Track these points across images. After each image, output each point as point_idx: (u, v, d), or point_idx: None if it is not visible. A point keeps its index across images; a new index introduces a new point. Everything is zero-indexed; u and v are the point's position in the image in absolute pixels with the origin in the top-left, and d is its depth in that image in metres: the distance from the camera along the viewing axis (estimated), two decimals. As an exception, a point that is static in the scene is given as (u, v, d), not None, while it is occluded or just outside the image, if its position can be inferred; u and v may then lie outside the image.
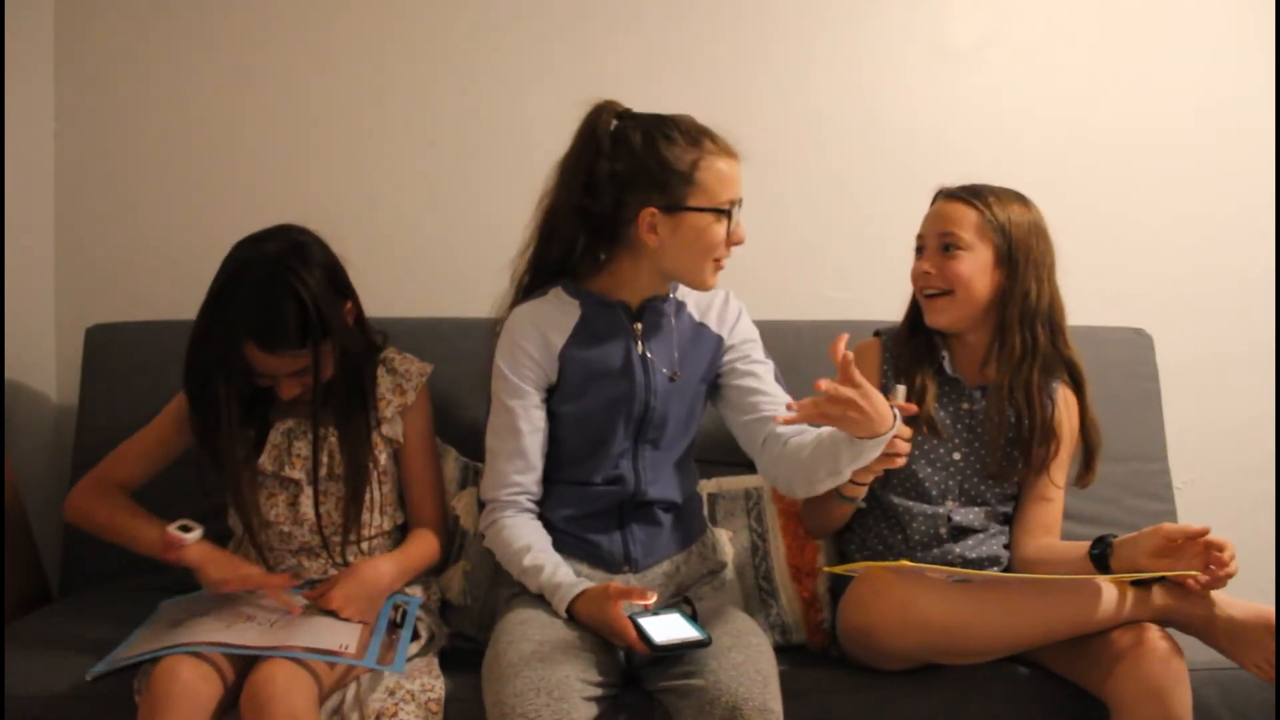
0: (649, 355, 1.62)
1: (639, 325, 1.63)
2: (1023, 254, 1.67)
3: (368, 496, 1.66)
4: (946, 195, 1.73)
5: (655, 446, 1.64)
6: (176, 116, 2.18)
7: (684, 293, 1.69)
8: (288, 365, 1.56)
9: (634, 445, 1.62)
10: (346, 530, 1.63)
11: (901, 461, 1.47)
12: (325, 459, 1.63)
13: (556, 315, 1.63)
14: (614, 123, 1.59)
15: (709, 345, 1.67)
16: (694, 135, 1.56)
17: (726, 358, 1.68)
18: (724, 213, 1.55)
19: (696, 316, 1.68)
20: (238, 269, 1.55)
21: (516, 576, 1.58)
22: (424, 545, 1.69)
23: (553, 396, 1.63)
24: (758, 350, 1.70)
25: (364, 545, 1.67)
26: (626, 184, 1.55)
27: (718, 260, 1.58)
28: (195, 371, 1.58)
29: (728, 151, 1.57)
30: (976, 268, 1.67)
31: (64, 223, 2.18)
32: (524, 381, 1.60)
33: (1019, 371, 1.68)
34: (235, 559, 1.57)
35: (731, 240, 1.57)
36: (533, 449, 1.61)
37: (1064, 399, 1.73)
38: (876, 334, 1.82)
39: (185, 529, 1.57)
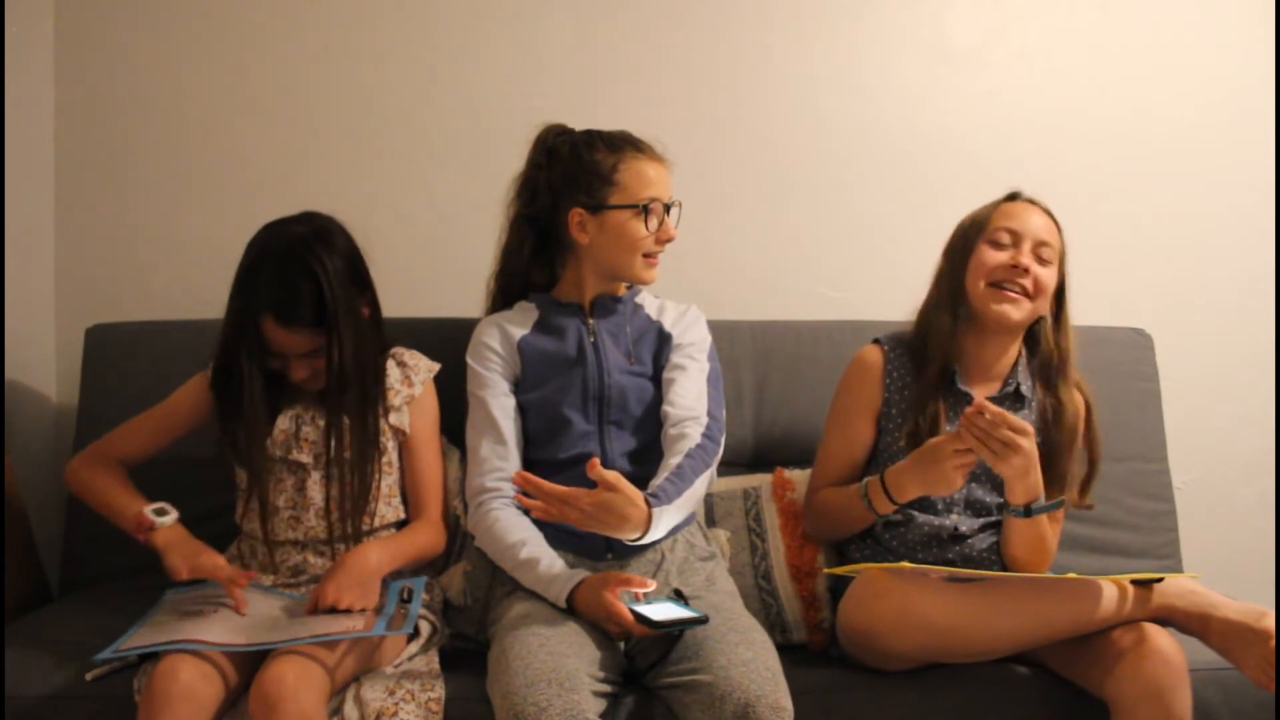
0: (602, 340, 1.73)
1: (591, 320, 1.74)
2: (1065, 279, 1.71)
3: (374, 485, 1.67)
4: (1035, 204, 1.71)
5: (621, 428, 1.69)
6: (176, 116, 2.18)
7: (644, 298, 1.81)
8: (302, 344, 1.60)
9: (599, 427, 1.68)
10: (355, 514, 1.64)
11: (958, 482, 1.54)
12: (334, 443, 1.64)
13: (517, 317, 1.77)
14: (550, 139, 1.76)
15: (660, 339, 1.76)
16: (616, 143, 1.72)
17: (673, 356, 1.74)
18: (643, 209, 1.68)
19: (653, 316, 1.79)
20: (262, 247, 1.61)
21: (510, 571, 1.61)
22: (418, 532, 1.69)
23: (519, 388, 1.72)
24: (700, 352, 1.75)
25: (369, 538, 1.66)
26: (559, 189, 1.72)
27: (648, 256, 1.72)
28: (223, 348, 1.63)
29: (651, 156, 1.72)
30: (1053, 286, 1.69)
31: (64, 223, 2.18)
32: (491, 372, 1.71)
33: (1063, 390, 1.70)
34: (198, 548, 1.56)
35: (660, 237, 1.71)
36: (508, 433, 1.69)
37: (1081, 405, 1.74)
38: (876, 341, 1.79)
39: (161, 512, 1.59)
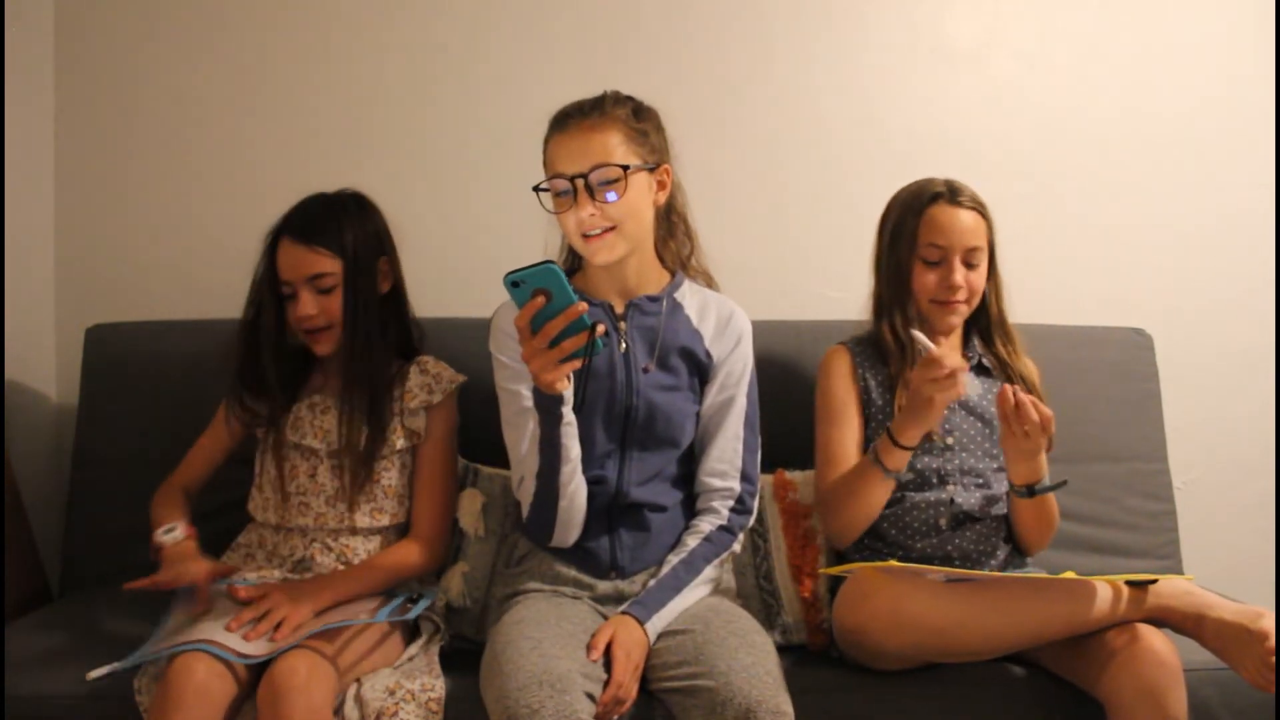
0: (634, 351, 1.62)
1: (624, 325, 1.64)
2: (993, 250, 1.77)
3: (384, 482, 1.68)
4: (959, 204, 1.73)
5: (644, 448, 1.62)
6: (176, 116, 2.18)
7: (683, 294, 1.69)
8: (308, 263, 1.65)
9: (621, 447, 1.61)
10: (356, 504, 1.66)
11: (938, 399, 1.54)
12: (346, 433, 1.66)
13: None
14: None
15: (699, 361, 1.66)
16: (552, 121, 1.61)
17: (712, 389, 1.67)
18: (562, 192, 1.56)
19: (694, 321, 1.67)
20: (304, 198, 1.72)
21: (531, 467, 1.54)
22: (387, 556, 1.66)
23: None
24: (742, 382, 1.67)
25: (376, 538, 1.68)
26: None
27: (587, 237, 1.56)
28: (251, 293, 1.71)
29: (562, 129, 1.58)
30: (983, 282, 1.75)
31: (64, 223, 2.18)
32: (518, 362, 1.55)
33: (1015, 356, 1.78)
34: (185, 557, 1.59)
35: (580, 220, 1.54)
36: None
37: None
38: (840, 344, 1.83)
39: (169, 530, 1.63)
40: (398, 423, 1.70)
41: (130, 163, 2.18)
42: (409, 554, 1.68)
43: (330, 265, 1.66)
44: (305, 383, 1.75)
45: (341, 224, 1.67)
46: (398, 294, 1.77)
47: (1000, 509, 1.73)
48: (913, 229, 1.74)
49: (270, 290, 1.69)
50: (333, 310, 1.67)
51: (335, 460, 1.67)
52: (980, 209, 1.73)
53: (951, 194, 1.73)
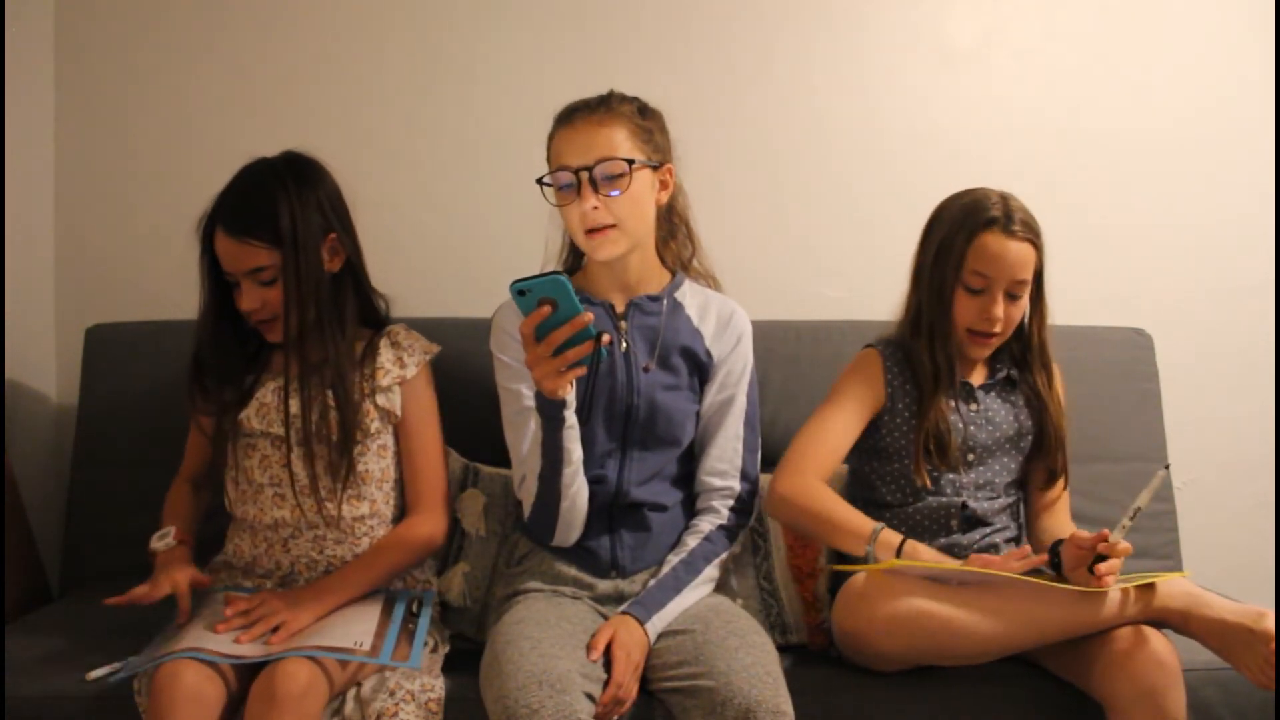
0: (635, 350, 1.63)
1: (624, 324, 1.64)
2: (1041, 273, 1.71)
3: (361, 467, 1.62)
4: (1013, 234, 1.64)
5: (645, 448, 1.63)
6: (176, 116, 2.18)
7: (684, 294, 1.70)
8: (244, 258, 1.56)
9: (622, 447, 1.62)
10: (334, 493, 1.59)
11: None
12: (315, 418, 1.59)
13: None
14: None
15: (699, 360, 1.66)
16: (558, 117, 1.61)
17: (712, 388, 1.67)
18: (565, 185, 1.56)
19: (695, 320, 1.68)
20: (240, 169, 1.62)
21: (533, 467, 1.54)
22: (403, 533, 1.62)
23: None
24: (742, 381, 1.67)
25: (363, 529, 1.64)
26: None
27: (590, 233, 1.56)
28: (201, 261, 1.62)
29: (569, 124, 1.59)
30: (1021, 313, 1.72)
31: (64, 223, 2.18)
32: (519, 362, 1.55)
33: (1049, 390, 1.76)
34: (168, 565, 1.54)
35: (584, 213, 1.54)
36: None
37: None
38: (871, 345, 1.79)
39: (163, 536, 1.60)
40: (369, 404, 1.62)
41: (130, 163, 2.18)
42: (422, 527, 1.63)
43: (267, 258, 1.55)
44: (266, 367, 1.66)
45: (276, 207, 1.55)
46: (354, 267, 1.66)
47: (1006, 523, 1.74)
48: (961, 252, 1.66)
49: (211, 278, 1.61)
50: (275, 302, 1.58)
51: (306, 448, 1.58)
52: (1033, 238, 1.66)
53: (1006, 221, 1.64)
